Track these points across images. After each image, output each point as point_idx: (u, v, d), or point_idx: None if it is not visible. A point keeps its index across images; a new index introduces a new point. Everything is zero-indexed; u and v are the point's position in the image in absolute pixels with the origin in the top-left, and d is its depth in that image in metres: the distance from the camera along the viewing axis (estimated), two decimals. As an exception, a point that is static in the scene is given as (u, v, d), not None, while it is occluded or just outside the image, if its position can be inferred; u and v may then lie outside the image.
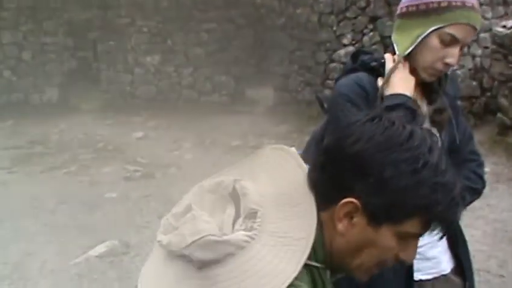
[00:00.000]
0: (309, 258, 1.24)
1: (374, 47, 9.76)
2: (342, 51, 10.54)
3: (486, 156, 8.11)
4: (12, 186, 8.15)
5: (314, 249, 1.26)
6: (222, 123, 11.03)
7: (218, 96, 12.76)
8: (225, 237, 1.20)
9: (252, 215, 1.24)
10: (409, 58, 2.17)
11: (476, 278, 2.50)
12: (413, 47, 2.14)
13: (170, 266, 1.25)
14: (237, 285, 1.18)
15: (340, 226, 1.27)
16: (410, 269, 2.25)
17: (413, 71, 2.18)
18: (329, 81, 10.57)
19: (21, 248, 5.97)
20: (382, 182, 1.22)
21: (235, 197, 1.29)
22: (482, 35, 9.27)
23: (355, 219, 1.26)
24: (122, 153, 9.61)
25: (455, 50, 2.11)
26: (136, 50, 13.06)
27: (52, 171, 8.86)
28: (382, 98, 2.20)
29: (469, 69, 9.39)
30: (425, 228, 1.27)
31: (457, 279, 2.42)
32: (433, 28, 2.09)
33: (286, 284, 1.18)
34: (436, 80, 2.22)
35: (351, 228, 1.27)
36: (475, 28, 2.11)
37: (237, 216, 1.26)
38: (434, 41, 2.11)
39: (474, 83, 9.37)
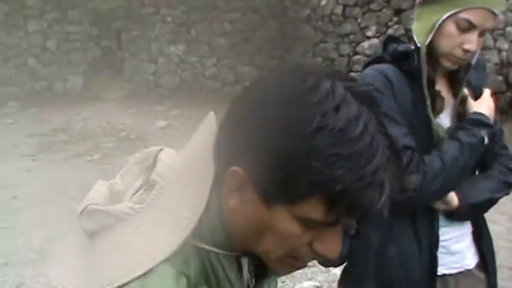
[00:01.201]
0: (204, 241, 1.06)
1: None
2: (365, 44, 10.50)
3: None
4: (36, 173, 8.23)
5: (212, 230, 1.06)
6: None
7: (241, 87, 12.69)
8: (106, 208, 1.09)
9: (151, 187, 1.10)
10: (430, 47, 2.13)
11: (498, 274, 2.48)
12: (431, 35, 2.10)
13: (75, 234, 1.16)
14: (107, 259, 1.05)
15: (232, 201, 1.03)
16: (434, 263, 2.24)
17: (435, 60, 2.16)
18: (353, 74, 10.53)
19: (45, 234, 6.03)
20: (267, 148, 0.96)
21: (151, 167, 1.16)
22: (508, 28, 9.18)
23: (246, 195, 1.01)
24: (145, 142, 9.64)
25: (473, 36, 2.06)
26: (160, 40, 13.09)
27: (75, 159, 8.93)
28: (460, 106, 2.23)
29: (495, 64, 9.29)
30: (330, 213, 0.96)
31: (481, 275, 2.40)
32: (448, 14, 2.05)
33: (149, 266, 1.01)
34: (462, 69, 2.20)
35: (244, 205, 1.02)
36: (493, 12, 2.05)
37: (141, 187, 1.14)
38: (451, 27, 2.07)
39: (500, 77, 9.28)
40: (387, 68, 2.21)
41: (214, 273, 1.07)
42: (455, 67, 2.16)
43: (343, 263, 2.38)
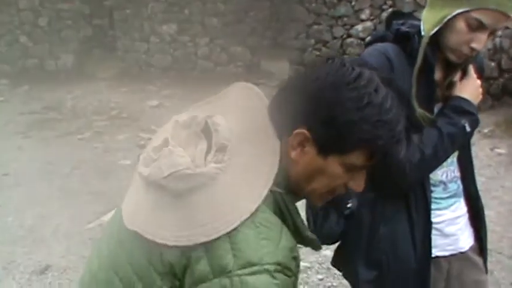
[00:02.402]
0: (273, 184, 1.39)
1: (392, 23, 9.66)
2: (359, 27, 10.47)
3: (502, 138, 8.09)
4: (27, 151, 8.21)
5: (276, 177, 1.40)
6: (236, 82, 10.92)
7: (233, 67, 12.71)
8: (198, 170, 1.36)
9: (222, 148, 1.40)
10: (435, 37, 2.11)
11: (488, 258, 2.50)
12: (438, 27, 2.08)
13: (149, 194, 1.42)
14: (207, 211, 1.34)
15: (294, 154, 1.42)
16: (428, 245, 2.25)
17: (438, 48, 2.15)
18: (346, 56, 10.50)
19: (36, 211, 6.03)
20: (330, 117, 1.37)
21: (207, 132, 1.44)
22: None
23: (306, 149, 1.41)
24: (136, 121, 9.62)
25: (482, 36, 2.03)
26: (153, 19, 13.00)
27: (66, 137, 8.90)
28: (447, 91, 2.21)
29: (488, 50, 9.29)
30: (369, 160, 1.42)
31: (475, 258, 2.41)
32: (459, 11, 2.01)
33: (253, 209, 1.34)
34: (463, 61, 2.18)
35: (303, 156, 1.42)
36: (506, 15, 2.00)
37: (208, 150, 1.42)
38: (461, 24, 2.03)
39: (492, 63, 9.29)
40: (389, 47, 2.19)
41: (282, 210, 1.41)
42: (459, 61, 2.14)
43: (337, 241, 2.39)
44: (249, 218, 1.33)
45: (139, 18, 13.09)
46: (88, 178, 7.01)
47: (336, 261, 2.49)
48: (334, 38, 10.83)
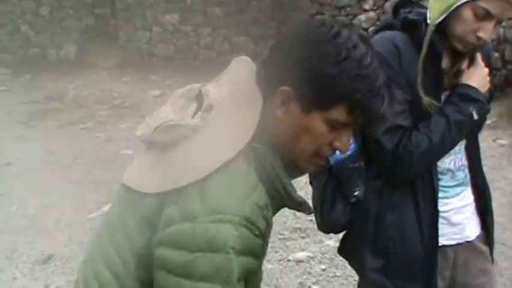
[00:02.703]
0: (255, 141, 1.44)
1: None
2: (362, 17, 10.44)
3: (505, 129, 8.06)
4: (29, 141, 8.21)
5: (258, 135, 1.44)
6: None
7: (236, 57, 12.66)
8: (182, 122, 1.45)
9: (209, 108, 1.47)
10: (442, 26, 2.10)
11: (491, 248, 2.50)
12: (444, 16, 2.07)
13: (144, 154, 1.52)
14: (189, 159, 1.41)
15: (279, 112, 1.46)
16: (435, 234, 2.25)
17: (447, 39, 2.13)
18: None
19: (38, 201, 6.04)
20: (310, 72, 1.42)
21: (199, 98, 1.53)
22: (506, 4, 9.12)
23: (290, 107, 1.45)
24: (138, 110, 9.61)
25: (489, 25, 2.02)
26: (155, 8, 12.96)
27: (68, 127, 8.90)
28: (455, 79, 2.20)
29: (492, 40, 9.24)
30: (350, 116, 1.44)
31: (482, 247, 2.41)
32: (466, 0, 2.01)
33: (226, 159, 1.39)
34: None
35: (288, 114, 1.45)
36: None
37: (197, 111, 1.50)
38: (468, 13, 2.02)
39: (496, 54, 9.25)
40: (397, 35, 2.19)
41: (267, 168, 1.44)
42: (466, 50, 2.13)
43: (343, 230, 2.39)
44: (223, 168, 1.38)
45: (141, 7, 13.05)
46: (90, 167, 7.00)
47: (343, 250, 2.49)
48: (337, 27, 10.78)
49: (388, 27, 2.25)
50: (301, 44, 1.46)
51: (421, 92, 2.12)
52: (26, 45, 13.49)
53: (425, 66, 2.12)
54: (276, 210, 1.52)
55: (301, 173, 1.60)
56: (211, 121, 1.45)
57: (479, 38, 2.04)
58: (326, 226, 2.35)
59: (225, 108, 1.48)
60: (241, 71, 1.55)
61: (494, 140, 7.58)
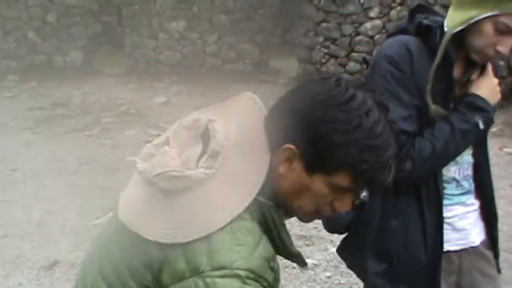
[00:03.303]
0: (260, 195, 1.41)
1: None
2: (368, 25, 10.44)
3: (511, 137, 8.06)
4: (35, 147, 8.22)
5: (263, 188, 1.42)
6: (244, 92, 10.94)
7: (242, 65, 12.69)
8: (185, 173, 1.40)
9: (215, 154, 1.43)
10: (460, 36, 2.10)
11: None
12: (463, 27, 2.06)
13: (142, 188, 1.47)
14: (190, 214, 1.38)
15: (281, 169, 1.43)
16: (440, 240, 2.24)
17: (464, 50, 2.13)
18: (354, 54, 10.49)
19: (43, 207, 6.04)
20: (318, 135, 1.39)
21: (205, 136, 1.48)
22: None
23: (293, 165, 1.42)
24: (144, 117, 9.63)
25: (509, 40, 2.03)
26: (161, 16, 13.00)
27: (74, 133, 8.91)
28: (465, 87, 2.20)
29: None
30: (353, 184, 1.42)
31: (486, 252, 2.40)
32: (489, 14, 2.00)
33: (232, 217, 1.37)
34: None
35: (290, 171, 1.43)
36: None
37: (203, 154, 1.45)
38: (488, 27, 2.02)
39: (501, 63, 9.23)
40: (410, 40, 2.19)
41: (268, 221, 1.43)
42: (481, 62, 2.13)
43: (347, 231, 2.39)
44: (228, 223, 1.37)
45: (147, 14, 13.09)
46: (96, 174, 7.01)
47: (342, 250, 2.48)
48: (343, 35, 10.80)
49: (402, 31, 2.25)
50: (312, 103, 1.42)
51: (429, 100, 2.12)
52: (32, 52, 13.53)
53: (437, 74, 2.12)
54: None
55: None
56: (217, 172, 1.42)
57: (497, 52, 2.05)
58: (329, 226, 2.36)
59: (232, 156, 1.44)
60: (250, 114, 1.51)
61: (500, 148, 7.58)
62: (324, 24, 11.04)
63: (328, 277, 4.69)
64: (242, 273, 1.32)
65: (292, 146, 1.41)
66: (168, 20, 12.97)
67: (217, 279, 1.32)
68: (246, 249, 1.35)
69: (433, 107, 2.14)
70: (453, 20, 2.10)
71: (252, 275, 1.33)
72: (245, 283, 1.32)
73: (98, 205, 5.95)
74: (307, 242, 5.22)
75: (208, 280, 1.32)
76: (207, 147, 1.45)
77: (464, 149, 2.21)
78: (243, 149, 1.45)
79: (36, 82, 12.37)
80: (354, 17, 10.64)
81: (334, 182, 1.41)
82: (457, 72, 2.19)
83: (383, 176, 1.43)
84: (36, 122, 9.56)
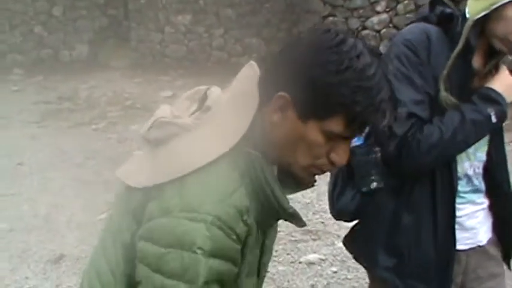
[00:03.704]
0: (247, 145, 1.40)
1: (408, 15, 9.62)
2: (374, 19, 10.41)
3: (509, 131, 8.02)
4: (42, 140, 8.24)
5: (254, 140, 1.42)
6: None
7: (248, 59, 12.49)
8: (174, 119, 1.45)
9: (207, 109, 1.46)
10: (482, 23, 2.06)
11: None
12: (484, 13, 2.03)
13: (143, 150, 1.52)
14: (170, 157, 1.41)
15: (275, 117, 1.41)
16: (451, 238, 2.22)
17: (485, 39, 2.10)
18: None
19: (49, 201, 6.05)
20: (309, 79, 1.36)
21: (203, 99, 1.51)
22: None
23: (287, 113, 1.40)
24: (150, 111, 9.52)
25: None
26: (168, 9, 12.98)
27: (80, 127, 8.93)
28: (482, 81, 2.16)
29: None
30: (348, 128, 1.38)
31: (493, 250, 2.38)
32: None
33: (210, 159, 1.37)
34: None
35: (284, 120, 1.40)
36: None
37: (196, 111, 1.49)
38: (510, 12, 1.99)
39: (510, 57, 9.19)
40: (431, 27, 2.16)
41: (258, 174, 1.40)
42: (505, 50, 2.10)
43: (353, 220, 2.37)
44: (205, 168, 1.36)
45: (154, 8, 13.08)
46: (101, 168, 7.01)
47: (349, 242, 2.46)
48: (350, 30, 10.77)
49: (424, 19, 2.22)
50: (303, 50, 1.41)
51: (442, 86, 2.10)
52: (39, 46, 13.56)
53: (456, 62, 2.09)
54: (269, 219, 1.49)
55: (300, 186, 1.54)
56: (205, 122, 1.43)
57: None
58: (335, 213, 2.35)
59: (222, 111, 1.45)
60: (245, 74, 1.51)
61: (508, 143, 7.53)
62: (331, 19, 11.01)
63: (335, 272, 4.68)
64: (209, 218, 1.31)
65: (285, 94, 1.39)
66: (174, 13, 12.96)
67: (183, 221, 1.31)
68: (218, 195, 1.34)
69: (443, 94, 2.10)
70: (475, 7, 2.07)
71: (218, 223, 1.31)
72: (209, 230, 1.30)
73: (104, 199, 5.94)
74: (313, 237, 5.21)
75: (173, 220, 1.32)
76: (201, 107, 1.49)
77: (475, 141, 2.18)
78: (232, 103, 1.46)
79: (43, 76, 12.39)
80: (361, 11, 10.61)
81: (328, 128, 1.38)
82: (477, 62, 2.15)
83: (376, 120, 1.38)
84: (42, 116, 9.58)
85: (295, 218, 1.48)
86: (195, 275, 1.30)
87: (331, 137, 1.40)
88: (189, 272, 1.30)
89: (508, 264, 2.45)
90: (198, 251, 1.30)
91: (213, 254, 1.31)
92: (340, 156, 1.44)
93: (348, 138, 1.43)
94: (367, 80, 1.36)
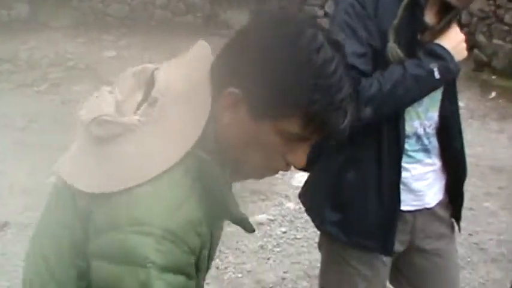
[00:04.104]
0: (198, 148, 1.28)
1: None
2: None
3: (461, 92, 8.07)
4: (-19, 103, 8.00)
5: (205, 142, 1.30)
6: (200, 41, 10.84)
7: (192, 18, 12.48)
8: (117, 119, 1.31)
9: (154, 102, 1.31)
10: None
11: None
12: None
13: (82, 137, 1.37)
14: (117, 163, 1.28)
15: (226, 116, 1.30)
16: (396, 198, 2.24)
17: None
18: (307, 7, 10.42)
19: (-10, 164, 5.91)
20: (263, 74, 1.26)
21: (149, 83, 1.38)
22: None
23: (238, 111, 1.29)
24: (93, 72, 9.43)
25: None
26: (109, -33, 12.68)
27: (22, 89, 8.69)
28: (427, 34, 2.14)
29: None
30: (305, 129, 1.27)
31: (441, 212, 2.41)
32: None
33: (162, 169, 1.25)
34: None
35: (236, 119, 1.30)
36: None
37: (143, 102, 1.36)
38: None
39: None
40: None
41: (207, 178, 1.29)
42: (458, 5, 2.08)
43: (308, 170, 2.37)
44: (155, 177, 1.25)
45: (94, -34, 12.75)
46: (45, 131, 6.87)
47: (302, 195, 2.50)
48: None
49: None
50: (256, 41, 1.29)
51: (391, 37, 2.08)
52: (-25, 5, 13.11)
53: (403, 15, 2.07)
54: (219, 223, 1.45)
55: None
56: (152, 120, 1.30)
57: None
58: None
59: (171, 105, 1.31)
60: (198, 62, 1.38)
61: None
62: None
63: (284, 232, 4.72)
64: (158, 232, 1.22)
65: (236, 90, 1.28)
66: (116, -29, 12.66)
67: (130, 236, 1.22)
68: (169, 206, 1.25)
69: (391, 45, 2.09)
70: None
71: (169, 236, 1.22)
72: (158, 243, 1.21)
73: (49, 163, 5.83)
74: (262, 197, 5.23)
75: (120, 236, 1.23)
76: (148, 96, 1.36)
77: (418, 97, 2.17)
78: (184, 98, 1.32)
79: (-20, 37, 12.01)
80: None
81: (284, 128, 1.27)
82: (431, 19, 2.14)
83: (336, 120, 1.28)
84: (-19, 78, 9.30)
85: (244, 224, 1.39)
86: None
87: (288, 138, 1.30)
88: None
89: (458, 226, 2.48)
90: (151, 266, 1.21)
91: (168, 269, 1.23)
92: (298, 158, 1.34)
93: (307, 140, 1.32)
94: (326, 78, 1.25)
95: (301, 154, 1.34)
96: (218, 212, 1.34)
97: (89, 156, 1.33)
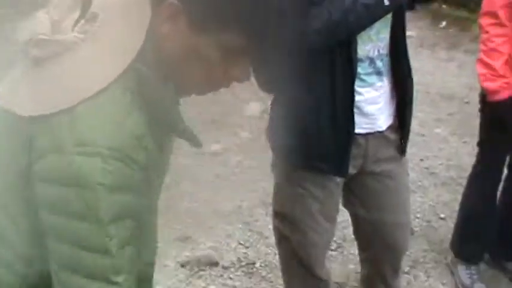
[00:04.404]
0: (138, 62, 1.23)
1: None
2: None
3: (411, 21, 8.10)
4: None
5: (144, 55, 1.24)
6: None
7: None
8: (55, 37, 1.24)
9: (92, 18, 1.24)
10: None
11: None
12: None
13: (21, 64, 1.31)
14: (56, 83, 1.22)
15: (165, 28, 1.24)
16: (350, 121, 2.27)
17: None
18: None
19: None
20: None
21: (87, 0, 1.31)
22: None
23: (178, 23, 1.22)
24: None
25: None
26: None
27: None
28: None
29: None
30: (245, 40, 1.22)
31: (392, 136, 2.45)
32: None
33: (102, 85, 1.20)
34: None
35: (175, 32, 1.24)
36: None
37: (80, 18, 1.28)
38: None
39: None
40: None
41: (148, 92, 1.25)
42: None
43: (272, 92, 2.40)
44: (95, 94, 1.19)
45: None
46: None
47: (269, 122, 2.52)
48: None
49: None
50: None
51: None
52: None
53: None
54: (165, 138, 1.39)
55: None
56: (91, 37, 1.23)
57: None
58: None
59: (111, 20, 1.25)
60: None
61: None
62: None
63: (239, 161, 4.74)
64: (105, 151, 1.17)
65: (175, 1, 1.21)
66: None
67: (77, 157, 1.16)
68: (111, 123, 1.19)
69: None
70: None
71: (116, 154, 1.18)
72: (106, 162, 1.17)
73: None
74: (215, 127, 5.22)
75: (65, 157, 1.17)
76: (85, 13, 1.28)
77: (370, 23, 2.18)
78: (123, 11, 1.26)
79: None
80: None
81: (223, 41, 1.23)
82: None
83: (274, 30, 1.23)
84: None
85: (191, 138, 1.36)
86: (98, 213, 1.18)
87: (227, 52, 1.25)
88: (92, 210, 1.18)
89: (404, 148, 2.52)
90: (99, 187, 1.16)
91: (117, 189, 1.19)
92: (239, 72, 1.30)
93: (247, 53, 1.27)
94: None
95: (242, 67, 1.29)
96: (163, 126, 1.30)
97: (27, 79, 1.27)
